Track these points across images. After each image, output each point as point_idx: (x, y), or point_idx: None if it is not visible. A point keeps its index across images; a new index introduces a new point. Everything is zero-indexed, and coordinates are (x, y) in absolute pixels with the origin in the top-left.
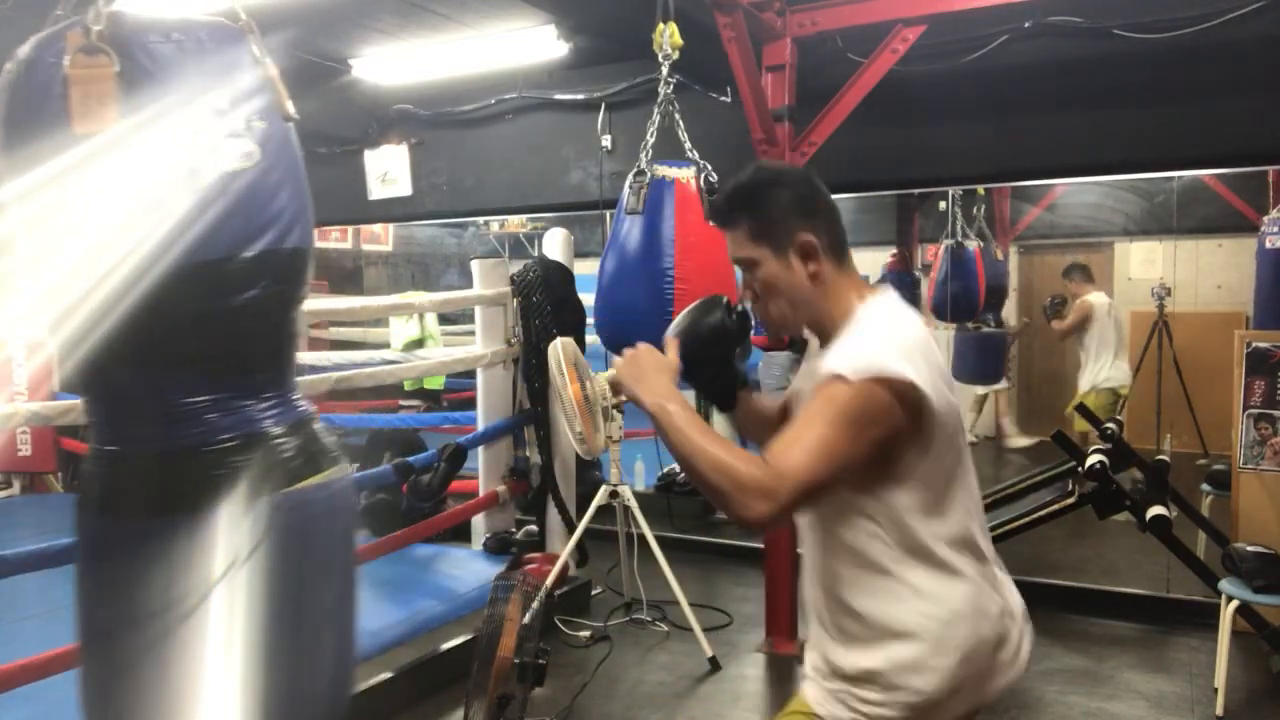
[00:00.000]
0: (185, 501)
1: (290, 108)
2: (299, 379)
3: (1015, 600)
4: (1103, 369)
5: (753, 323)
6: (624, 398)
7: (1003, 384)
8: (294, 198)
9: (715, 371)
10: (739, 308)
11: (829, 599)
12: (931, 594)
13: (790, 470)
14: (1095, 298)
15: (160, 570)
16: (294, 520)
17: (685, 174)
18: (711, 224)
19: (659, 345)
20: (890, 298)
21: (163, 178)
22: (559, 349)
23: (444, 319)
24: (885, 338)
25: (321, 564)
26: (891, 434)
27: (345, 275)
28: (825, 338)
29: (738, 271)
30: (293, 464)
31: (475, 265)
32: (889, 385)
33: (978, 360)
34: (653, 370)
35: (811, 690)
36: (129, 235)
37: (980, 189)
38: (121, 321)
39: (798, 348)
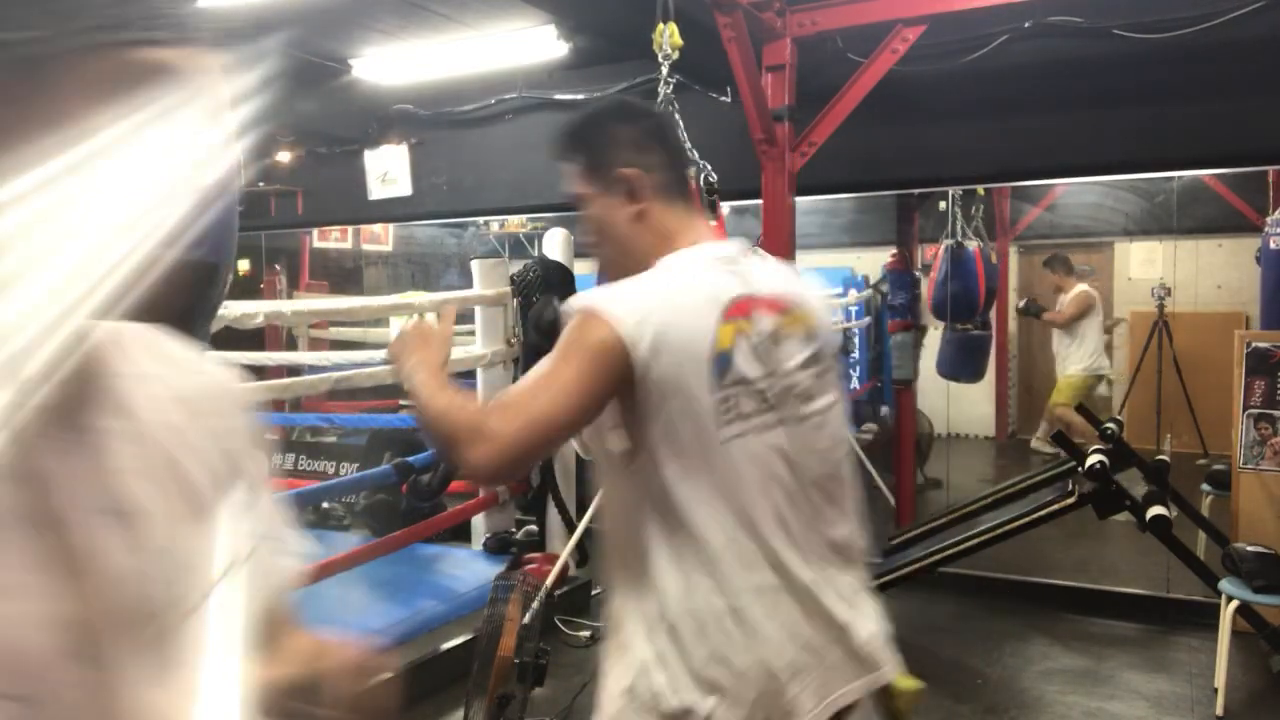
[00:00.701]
0: None
1: (240, 125)
2: (299, 379)
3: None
4: (1086, 352)
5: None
6: None
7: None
8: (225, 213)
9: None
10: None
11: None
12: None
13: (506, 409)
14: (1087, 287)
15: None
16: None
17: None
18: (557, 161)
19: None
20: (708, 251)
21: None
22: None
23: None
24: (639, 282)
25: None
26: (619, 379)
27: (345, 275)
28: None
29: None
30: None
31: (475, 265)
32: (606, 322)
33: (957, 359)
34: (416, 339)
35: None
36: (128, 235)
37: (980, 189)
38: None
39: None
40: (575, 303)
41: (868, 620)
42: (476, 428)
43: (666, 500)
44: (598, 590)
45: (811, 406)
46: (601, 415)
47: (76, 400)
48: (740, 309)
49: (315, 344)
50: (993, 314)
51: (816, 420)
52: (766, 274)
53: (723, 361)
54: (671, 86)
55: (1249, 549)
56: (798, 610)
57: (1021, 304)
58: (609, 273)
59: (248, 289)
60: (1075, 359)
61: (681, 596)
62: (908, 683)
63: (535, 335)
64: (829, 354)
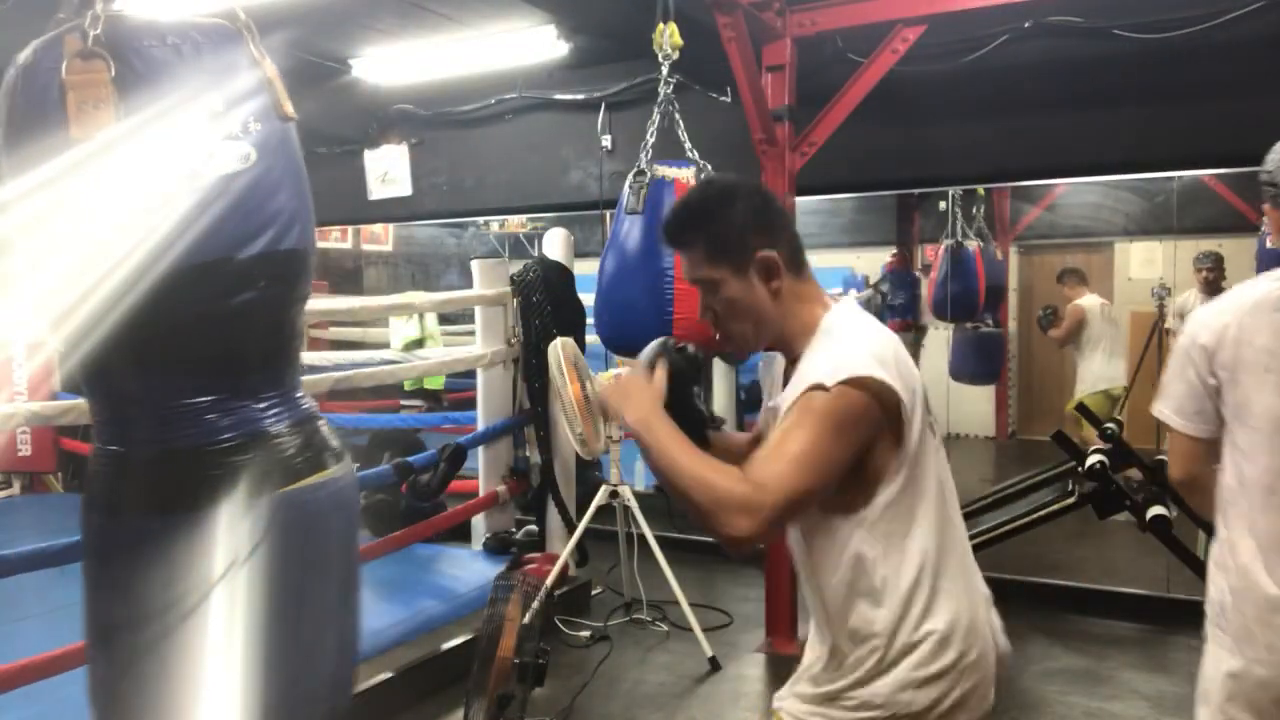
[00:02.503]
0: (185, 501)
1: (289, 108)
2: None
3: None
4: (1091, 371)
5: (700, 360)
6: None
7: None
8: (293, 198)
9: (675, 413)
10: (685, 347)
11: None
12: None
13: (772, 482)
14: (1086, 301)
15: (161, 569)
16: (294, 518)
17: (685, 174)
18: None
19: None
20: (852, 306)
21: (160, 180)
22: (559, 349)
23: (444, 319)
24: (856, 343)
25: (322, 563)
26: (870, 439)
27: (345, 275)
28: (791, 353)
29: None
30: (294, 462)
31: (475, 265)
32: (865, 386)
33: (976, 359)
34: (637, 391)
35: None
36: (128, 237)
37: (980, 189)
38: (121, 322)
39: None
40: (824, 376)
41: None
42: (743, 501)
43: (897, 529)
44: (598, 590)
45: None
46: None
47: None
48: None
49: (315, 344)
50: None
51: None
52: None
53: (923, 389)
54: (671, 86)
55: None
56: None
57: (1039, 314)
58: (741, 346)
59: None
60: (1083, 378)
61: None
62: None
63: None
64: None
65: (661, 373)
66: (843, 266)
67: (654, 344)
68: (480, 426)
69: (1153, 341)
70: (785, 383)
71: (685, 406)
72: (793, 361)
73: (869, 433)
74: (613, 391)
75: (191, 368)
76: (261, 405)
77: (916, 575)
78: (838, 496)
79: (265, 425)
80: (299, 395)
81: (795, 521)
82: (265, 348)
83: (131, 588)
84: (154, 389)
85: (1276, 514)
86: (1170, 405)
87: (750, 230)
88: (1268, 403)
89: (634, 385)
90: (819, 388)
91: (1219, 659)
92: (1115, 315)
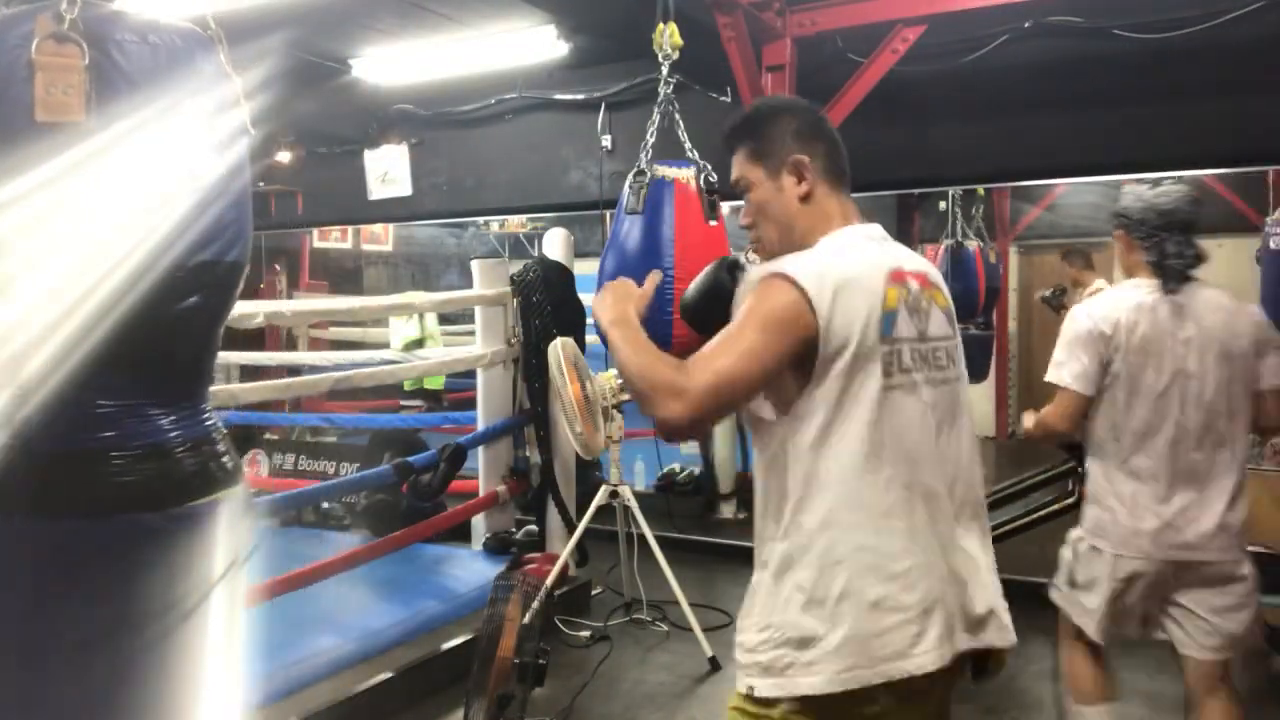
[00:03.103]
0: (77, 504)
1: (249, 123)
2: (299, 379)
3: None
4: None
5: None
6: (628, 396)
7: None
8: (240, 213)
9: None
10: (736, 262)
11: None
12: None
13: (700, 368)
14: (1104, 283)
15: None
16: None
17: (685, 174)
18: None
19: (663, 344)
20: (862, 230)
21: (124, 183)
22: (559, 349)
23: (444, 319)
24: (814, 253)
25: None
26: (800, 338)
27: (345, 275)
28: None
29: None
30: (188, 479)
31: (475, 265)
32: (790, 285)
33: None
34: (616, 297)
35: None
36: (85, 239)
37: (980, 189)
38: (73, 321)
39: None
40: (755, 271)
41: (987, 579)
42: (671, 384)
43: (827, 446)
44: (598, 590)
45: (948, 374)
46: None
47: None
48: (898, 276)
49: (315, 344)
50: (993, 314)
51: (952, 386)
52: (906, 253)
53: (889, 318)
54: (671, 86)
55: (1249, 549)
56: (939, 550)
57: (1047, 292)
58: (769, 250)
59: (247, 289)
60: None
61: (842, 532)
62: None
63: (697, 300)
64: (956, 331)
65: (650, 282)
66: None
67: (714, 262)
68: (480, 426)
69: None
70: None
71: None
72: None
73: (797, 334)
74: (597, 298)
75: (121, 370)
76: (172, 417)
77: (824, 508)
78: (769, 398)
79: (169, 437)
80: (205, 410)
81: (727, 412)
82: (192, 357)
83: (13, 593)
84: (81, 388)
85: (1145, 454)
86: (1071, 373)
87: (790, 136)
88: (1142, 378)
89: (615, 290)
90: (752, 285)
91: (1105, 560)
92: None
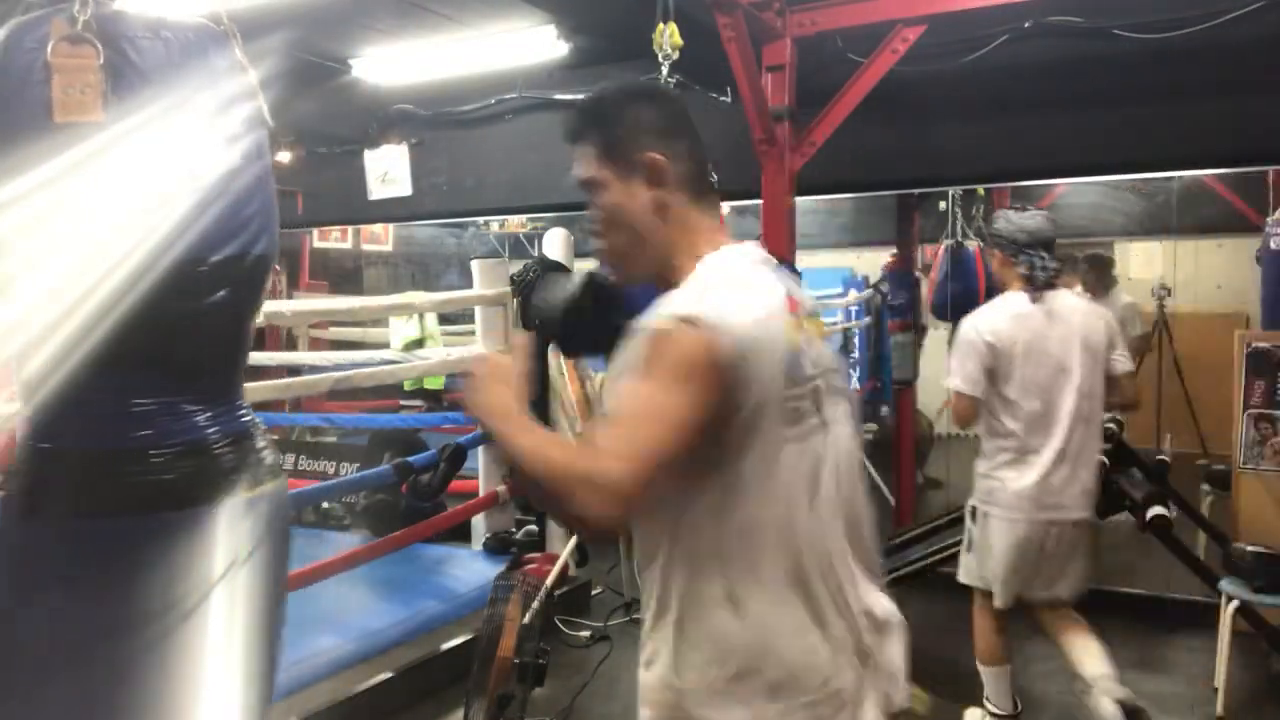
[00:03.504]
0: (110, 504)
1: (268, 115)
2: (299, 379)
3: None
4: None
5: (621, 289)
6: None
7: None
8: (264, 205)
9: (601, 341)
10: (606, 278)
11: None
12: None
13: (619, 451)
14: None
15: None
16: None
17: None
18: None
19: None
20: (745, 250)
21: (152, 177)
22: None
23: (444, 319)
24: (712, 288)
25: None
26: (718, 391)
27: (345, 275)
28: (666, 288)
29: None
30: (230, 476)
31: (475, 265)
32: (698, 326)
33: None
34: (487, 382)
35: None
36: (103, 234)
37: (980, 189)
38: (89, 320)
39: None
40: (658, 317)
41: (895, 641)
42: (587, 475)
43: (727, 505)
44: (598, 590)
45: (838, 409)
46: None
47: None
48: (792, 307)
49: (315, 344)
50: None
51: (843, 423)
52: (786, 277)
53: (791, 360)
54: (671, 86)
55: (1249, 549)
56: (838, 620)
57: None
58: (618, 265)
59: None
60: None
61: (738, 609)
62: (919, 695)
63: (546, 313)
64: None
65: (520, 355)
66: (843, 266)
67: (578, 277)
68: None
69: (1152, 342)
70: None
71: (613, 334)
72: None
73: (714, 384)
74: (466, 395)
75: (151, 368)
76: (209, 414)
77: (724, 578)
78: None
79: (208, 434)
80: (241, 406)
81: (655, 492)
82: (221, 354)
83: (52, 593)
84: (111, 387)
85: (1038, 434)
86: (962, 378)
87: (646, 132)
88: (1028, 374)
89: (487, 371)
90: (660, 330)
91: (1000, 527)
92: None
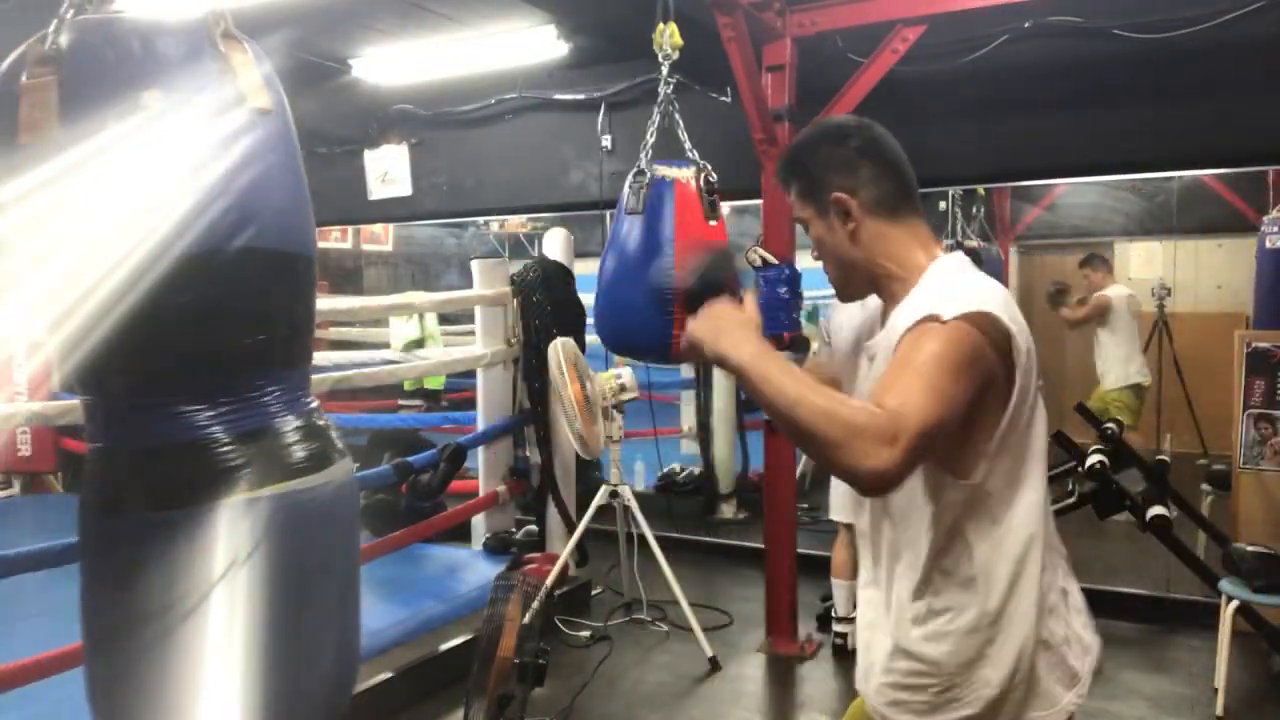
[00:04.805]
0: (180, 498)
1: (258, 99)
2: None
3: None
4: (1121, 365)
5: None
6: (628, 396)
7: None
8: (285, 195)
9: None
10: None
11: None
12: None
13: (908, 408)
14: (1114, 291)
15: (158, 569)
16: (294, 517)
17: (685, 174)
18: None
19: (662, 345)
20: (962, 259)
21: (152, 175)
22: (559, 349)
23: (444, 319)
24: (969, 284)
25: (322, 561)
26: (985, 383)
27: (345, 275)
28: (890, 298)
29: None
30: (294, 460)
31: (475, 265)
32: (979, 324)
33: None
34: (733, 325)
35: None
36: (118, 234)
37: (980, 189)
38: (102, 321)
39: (800, 346)
40: (940, 309)
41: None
42: (881, 429)
43: (1016, 493)
44: (598, 590)
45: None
46: None
47: None
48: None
49: (315, 344)
50: None
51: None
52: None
53: (1034, 350)
54: (671, 86)
55: (1249, 549)
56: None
57: (1051, 289)
58: (837, 285)
59: None
60: (1109, 373)
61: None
62: None
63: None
64: None
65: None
66: None
67: (704, 262)
68: (480, 426)
69: (1153, 341)
70: (883, 324)
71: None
72: (891, 304)
73: (985, 375)
74: (702, 328)
75: (183, 363)
76: (257, 403)
77: (1017, 564)
78: (942, 450)
79: (265, 422)
80: (302, 394)
81: (928, 456)
82: (256, 345)
83: (129, 588)
84: (138, 385)
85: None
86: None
87: (831, 172)
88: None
89: (727, 318)
90: (933, 319)
91: None
92: (1136, 309)
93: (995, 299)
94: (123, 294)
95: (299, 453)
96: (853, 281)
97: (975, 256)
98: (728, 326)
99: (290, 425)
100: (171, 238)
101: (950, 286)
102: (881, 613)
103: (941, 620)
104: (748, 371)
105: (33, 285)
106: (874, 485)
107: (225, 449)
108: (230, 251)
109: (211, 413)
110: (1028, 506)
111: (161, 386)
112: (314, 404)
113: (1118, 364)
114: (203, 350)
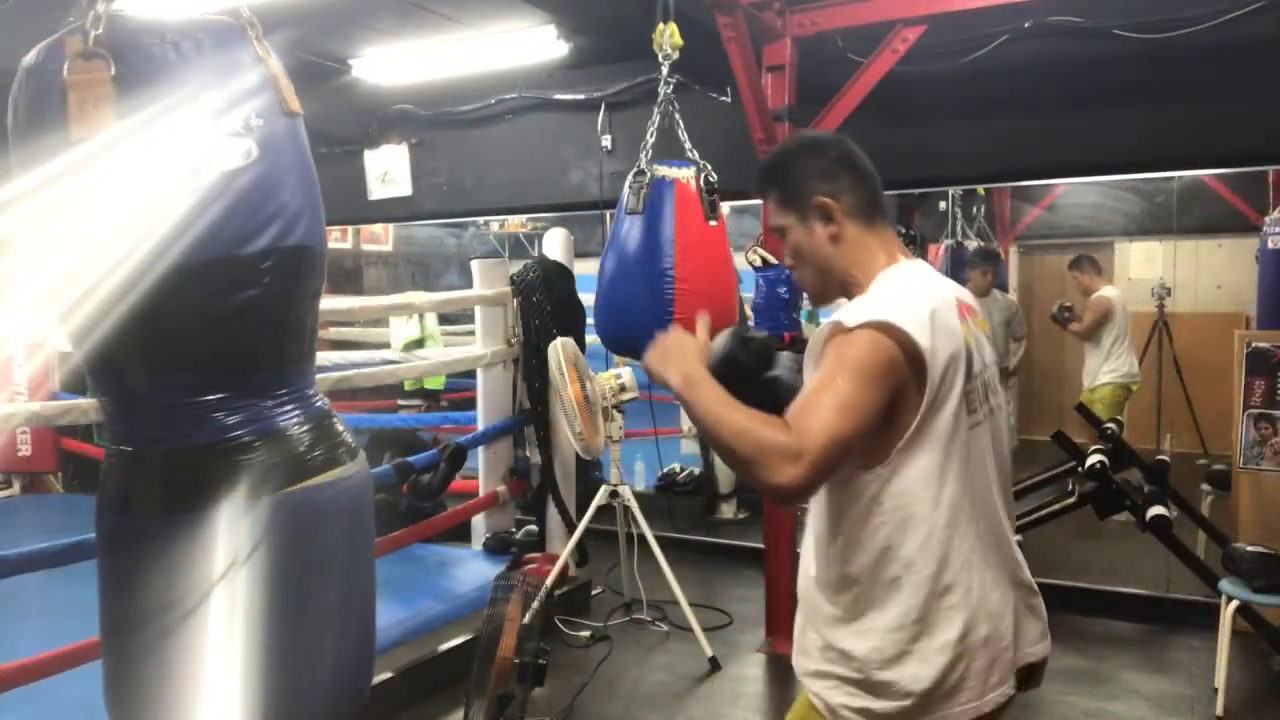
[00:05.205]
0: (192, 500)
1: (293, 103)
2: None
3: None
4: (1119, 363)
5: (773, 343)
6: (628, 396)
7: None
8: (298, 194)
9: (753, 397)
10: (755, 333)
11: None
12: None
13: (812, 426)
14: (1110, 291)
15: (168, 569)
16: (301, 517)
17: (685, 174)
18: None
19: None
20: (918, 266)
21: (162, 178)
22: (559, 349)
23: (444, 319)
24: (891, 293)
25: (326, 561)
26: (897, 389)
27: (345, 275)
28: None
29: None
30: (305, 460)
31: (475, 265)
32: (887, 332)
33: None
34: (677, 351)
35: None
36: (130, 235)
37: (980, 189)
38: (126, 320)
39: (800, 346)
40: (848, 318)
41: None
42: (783, 446)
43: (912, 493)
44: (598, 590)
45: (998, 400)
46: None
47: None
48: (963, 310)
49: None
50: None
51: (1001, 413)
52: (953, 284)
53: (968, 356)
54: (671, 86)
55: (1249, 549)
56: (1008, 581)
57: (1055, 310)
58: (812, 291)
59: None
60: (1103, 370)
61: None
62: None
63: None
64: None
65: (702, 331)
66: None
67: (723, 335)
68: (480, 426)
69: (1153, 341)
70: None
71: (760, 389)
72: None
73: (896, 381)
74: (652, 354)
75: (197, 365)
76: (271, 403)
77: (939, 562)
78: (864, 449)
79: (275, 423)
80: (311, 392)
81: (836, 470)
82: (273, 345)
83: (139, 587)
84: (160, 387)
85: None
86: None
87: (812, 178)
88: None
89: (673, 344)
90: (840, 329)
91: None
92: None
93: (911, 308)
94: (168, 294)
95: (311, 452)
96: (829, 286)
97: (994, 257)
98: (672, 352)
99: (305, 425)
100: (211, 237)
101: (872, 296)
102: (812, 606)
103: (866, 620)
104: (682, 394)
105: (76, 284)
106: (783, 498)
107: (247, 450)
108: (261, 251)
109: (238, 415)
110: (949, 504)
111: (196, 388)
112: (325, 402)
113: (1106, 362)
114: (236, 350)
